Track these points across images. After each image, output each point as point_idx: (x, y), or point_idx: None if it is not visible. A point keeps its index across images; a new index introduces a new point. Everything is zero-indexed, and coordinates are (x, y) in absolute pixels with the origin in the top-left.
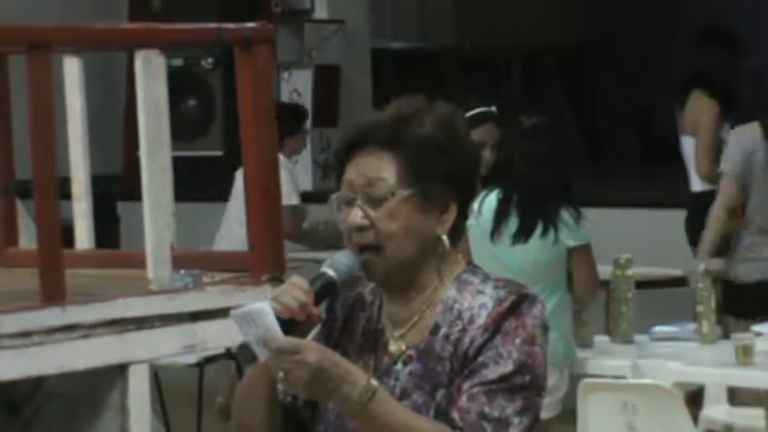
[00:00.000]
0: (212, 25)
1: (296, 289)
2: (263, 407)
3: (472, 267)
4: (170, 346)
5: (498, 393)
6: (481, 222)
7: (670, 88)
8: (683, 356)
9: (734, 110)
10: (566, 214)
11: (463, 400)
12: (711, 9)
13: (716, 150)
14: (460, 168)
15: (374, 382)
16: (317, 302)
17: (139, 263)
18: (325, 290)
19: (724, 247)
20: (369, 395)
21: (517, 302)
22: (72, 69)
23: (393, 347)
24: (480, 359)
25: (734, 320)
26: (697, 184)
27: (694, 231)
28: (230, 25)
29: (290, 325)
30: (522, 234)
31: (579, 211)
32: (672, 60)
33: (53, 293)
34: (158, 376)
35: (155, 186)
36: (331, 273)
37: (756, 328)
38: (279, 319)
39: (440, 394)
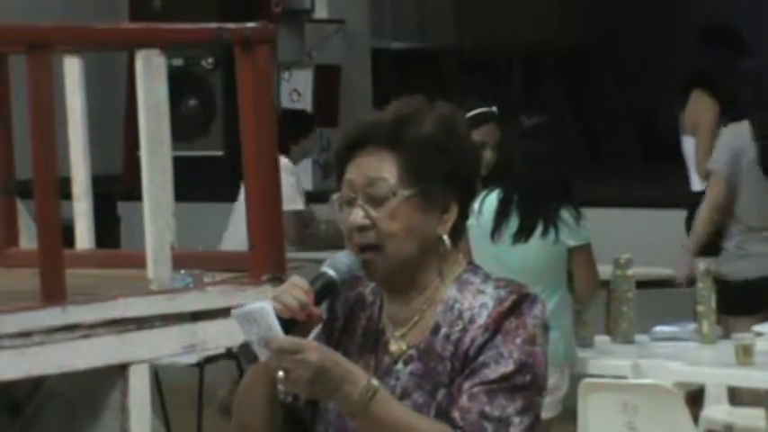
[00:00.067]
0: (213, 25)
1: (296, 289)
2: (263, 407)
3: (473, 267)
4: (170, 346)
5: (499, 393)
6: (482, 222)
7: (670, 88)
8: (683, 356)
9: (734, 110)
10: (566, 214)
11: (464, 400)
12: (711, 9)
13: None
14: (461, 168)
15: (375, 382)
16: (317, 302)
17: (140, 263)
18: (325, 290)
19: (713, 247)
20: (370, 395)
21: (518, 302)
22: (72, 69)
23: (394, 347)
24: (481, 359)
25: (732, 319)
26: (697, 184)
27: None
28: (231, 25)
29: (290, 325)
30: (523, 234)
31: (579, 211)
32: (672, 60)
33: (53, 293)
34: (159, 376)
35: (155, 186)
36: (331, 273)
37: (757, 328)
38: (279, 318)
39: (440, 394)
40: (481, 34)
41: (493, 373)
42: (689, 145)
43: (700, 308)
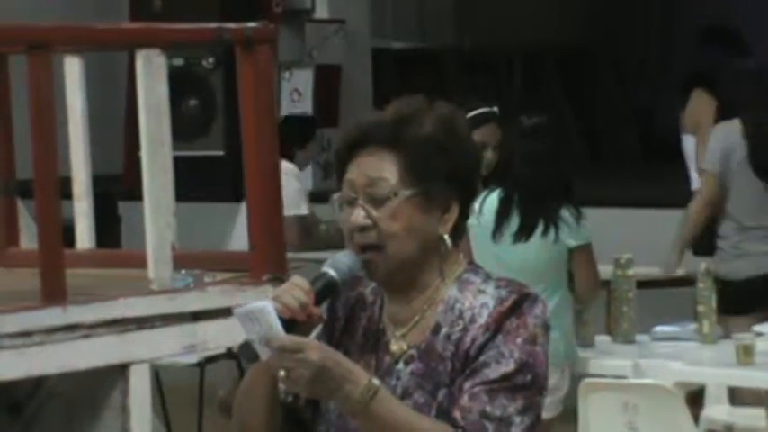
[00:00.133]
0: (213, 25)
1: (296, 289)
2: (264, 406)
3: (473, 267)
4: (171, 345)
5: (500, 392)
6: (482, 222)
7: (670, 88)
8: (683, 356)
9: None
10: (566, 214)
11: (465, 400)
12: (711, 9)
13: None
14: (461, 168)
15: (376, 382)
16: (318, 302)
17: (140, 263)
18: (326, 290)
19: (708, 246)
20: (370, 394)
21: (519, 302)
22: (73, 69)
23: (394, 347)
24: (482, 358)
25: (731, 319)
26: (697, 184)
27: None
28: (231, 25)
29: (291, 325)
30: (524, 233)
31: (580, 211)
32: (672, 60)
33: (54, 293)
34: (159, 376)
35: (155, 186)
36: (332, 273)
37: (757, 327)
38: (280, 318)
39: (441, 394)
40: (481, 34)
41: (494, 372)
42: (689, 144)
43: (700, 308)
